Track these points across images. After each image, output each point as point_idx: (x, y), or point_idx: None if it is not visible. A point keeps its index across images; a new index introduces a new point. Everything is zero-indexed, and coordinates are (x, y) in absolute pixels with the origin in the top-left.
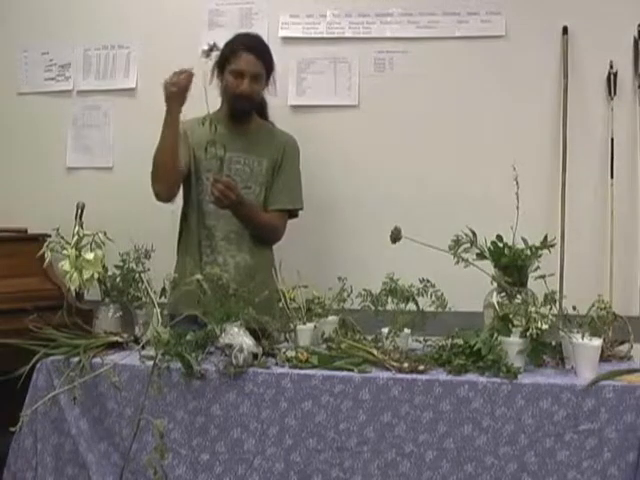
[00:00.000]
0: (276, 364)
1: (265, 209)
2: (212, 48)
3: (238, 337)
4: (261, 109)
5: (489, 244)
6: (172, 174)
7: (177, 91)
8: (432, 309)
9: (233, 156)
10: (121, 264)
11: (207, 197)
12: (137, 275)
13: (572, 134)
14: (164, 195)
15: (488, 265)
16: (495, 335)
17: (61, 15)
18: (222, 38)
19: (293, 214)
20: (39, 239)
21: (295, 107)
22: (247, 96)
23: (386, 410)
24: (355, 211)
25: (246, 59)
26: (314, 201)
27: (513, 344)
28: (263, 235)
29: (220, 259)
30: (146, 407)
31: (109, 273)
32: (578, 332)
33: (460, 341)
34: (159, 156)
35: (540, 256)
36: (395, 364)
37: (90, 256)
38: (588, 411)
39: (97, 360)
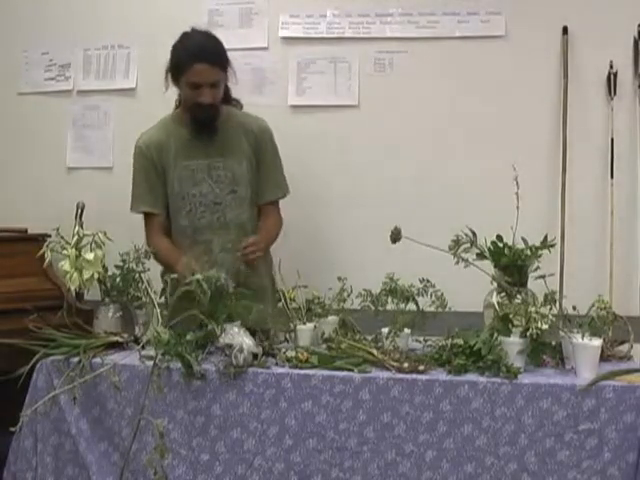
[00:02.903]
0: (276, 364)
1: (256, 204)
2: None
3: (238, 337)
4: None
5: (489, 244)
6: None
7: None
8: (432, 309)
9: (212, 162)
10: (121, 264)
11: (198, 214)
12: (137, 275)
13: (572, 134)
14: None
15: (488, 265)
16: (495, 335)
17: (61, 15)
18: (222, 38)
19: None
20: (39, 239)
21: (295, 107)
22: (209, 105)
23: (386, 410)
24: (355, 211)
25: (200, 70)
26: (314, 201)
27: (513, 344)
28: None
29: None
30: (146, 407)
31: (109, 273)
32: (578, 332)
33: (460, 341)
34: (164, 266)
35: (540, 256)
36: (395, 364)
37: (90, 256)
38: (588, 411)
39: (97, 360)
